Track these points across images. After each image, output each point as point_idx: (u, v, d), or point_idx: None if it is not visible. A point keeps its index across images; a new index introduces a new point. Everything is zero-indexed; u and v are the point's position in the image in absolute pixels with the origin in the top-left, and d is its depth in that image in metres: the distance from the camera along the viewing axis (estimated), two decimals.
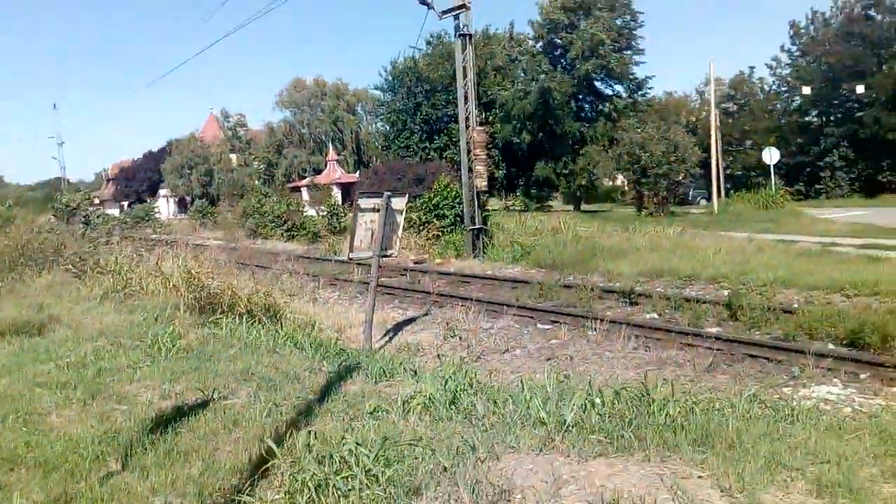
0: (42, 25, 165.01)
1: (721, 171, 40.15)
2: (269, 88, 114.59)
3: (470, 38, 18.46)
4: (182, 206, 70.11)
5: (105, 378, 6.13)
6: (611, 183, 45.18)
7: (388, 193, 9.25)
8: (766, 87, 47.53)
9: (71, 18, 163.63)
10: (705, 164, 33.77)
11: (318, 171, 56.49)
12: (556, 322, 10.24)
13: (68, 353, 7.04)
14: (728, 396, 5.60)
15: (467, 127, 18.62)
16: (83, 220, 19.71)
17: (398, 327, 10.82)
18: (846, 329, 7.94)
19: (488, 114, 42.30)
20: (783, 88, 46.33)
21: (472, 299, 11.92)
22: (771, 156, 32.22)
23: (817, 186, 42.26)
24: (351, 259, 9.45)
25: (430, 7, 18.44)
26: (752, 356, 7.88)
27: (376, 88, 50.41)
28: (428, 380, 6.36)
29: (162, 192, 73.49)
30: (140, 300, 10.92)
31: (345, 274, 17.34)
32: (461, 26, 18.32)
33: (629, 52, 42.04)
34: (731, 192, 39.62)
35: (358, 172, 51.86)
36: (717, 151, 33.25)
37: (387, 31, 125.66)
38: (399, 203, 9.56)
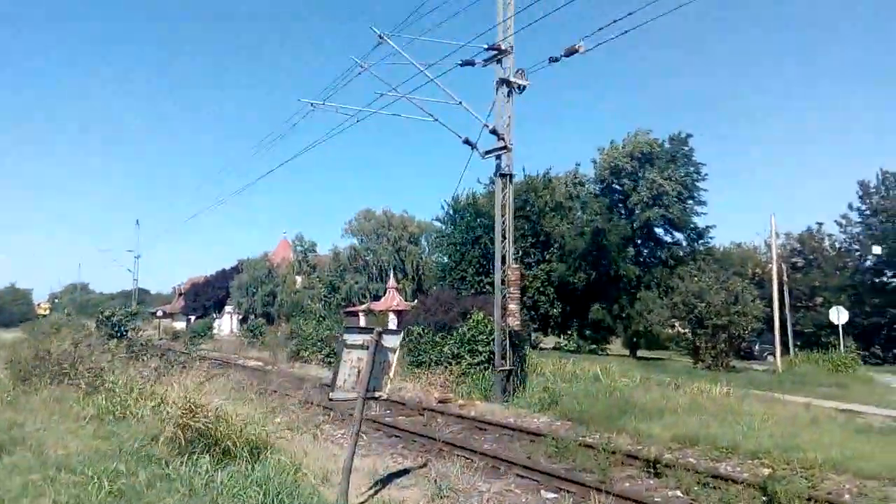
0: (130, 141, 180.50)
1: (790, 327, 38.01)
2: (340, 218, 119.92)
3: (510, 179, 18.48)
4: (245, 323, 71.65)
5: None
6: (669, 331, 43.30)
7: (380, 330, 8.61)
8: (837, 244, 45.83)
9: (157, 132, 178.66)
10: (771, 319, 31.89)
11: (377, 298, 57.12)
12: (562, 490, 9.01)
13: None
14: None
15: (503, 264, 18.15)
16: (117, 333, 19.78)
17: (389, 479, 9.76)
18: None
19: (546, 252, 42.15)
20: (854, 246, 44.51)
21: (478, 452, 10.83)
22: (839, 315, 30.17)
23: (895, 351, 39.15)
24: (332, 399, 8.66)
25: (473, 147, 18.72)
26: None
27: (436, 220, 51.45)
28: None
29: (228, 308, 75.61)
30: (126, 425, 10.43)
31: (367, 409, 16.51)
32: (502, 166, 18.38)
33: (691, 202, 41.73)
34: (799, 350, 37.11)
35: (416, 301, 52.03)
36: (780, 305, 31.41)
37: (452, 165, 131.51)
38: (392, 341, 8.87)
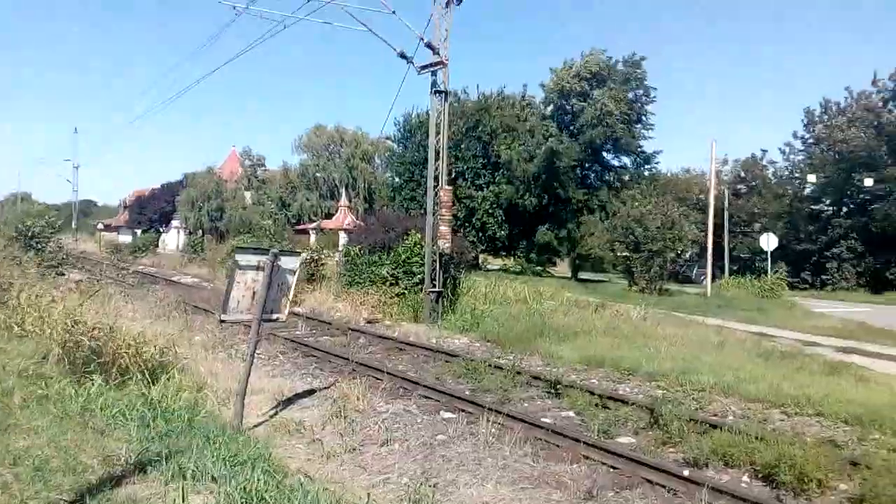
0: (65, 40, 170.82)
1: (727, 252, 39.12)
2: (290, 133, 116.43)
3: (446, 96, 17.91)
4: (196, 237, 70.21)
5: None
6: (610, 254, 44.21)
7: (275, 251, 8.35)
8: (778, 173, 46.71)
9: (93, 32, 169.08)
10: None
11: (329, 216, 56.45)
12: (463, 411, 9.15)
13: None
14: None
15: (436, 185, 17.88)
16: (34, 246, 18.93)
17: (292, 400, 9.76)
18: (763, 460, 6.76)
19: (496, 174, 41.88)
20: (795, 174, 45.45)
21: (387, 373, 10.89)
22: (769, 241, 31.06)
23: (823, 277, 40.81)
24: (223, 321, 8.46)
25: (409, 62, 18.01)
26: (649, 482, 6.73)
27: (387, 138, 50.39)
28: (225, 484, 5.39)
29: (175, 222, 73.79)
30: (21, 343, 10.08)
31: (292, 329, 16.43)
32: (438, 82, 17.80)
33: (639, 125, 41.62)
34: (736, 275, 38.33)
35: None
36: (715, 230, 32.10)
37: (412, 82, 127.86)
38: (291, 262, 8.63)
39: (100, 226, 73.44)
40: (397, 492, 6.48)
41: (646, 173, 43.11)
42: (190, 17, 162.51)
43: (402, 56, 17.94)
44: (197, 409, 8.33)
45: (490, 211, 41.24)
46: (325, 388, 10.35)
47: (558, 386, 10.11)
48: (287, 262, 8.58)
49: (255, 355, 13.03)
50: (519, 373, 10.86)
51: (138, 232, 74.03)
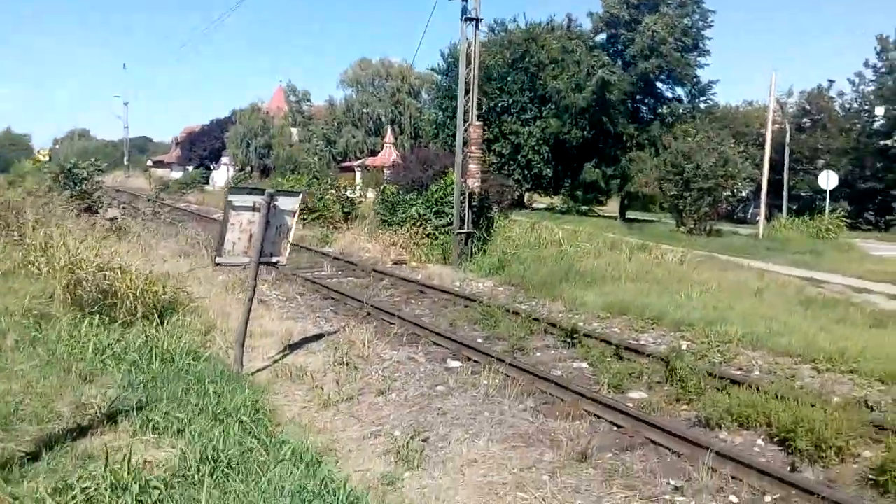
0: None
1: (787, 191, 37.03)
2: (336, 67, 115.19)
3: (476, 23, 16.91)
4: (245, 174, 71.11)
5: None
6: (659, 192, 42.54)
7: (271, 191, 7.99)
8: (846, 105, 43.51)
9: None
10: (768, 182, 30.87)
11: (374, 153, 56.08)
12: (469, 359, 8.81)
13: None
14: None
15: (465, 121, 17.14)
16: (71, 183, 19.15)
17: (300, 345, 9.58)
18: (780, 423, 6.20)
19: (544, 108, 40.32)
20: (865, 107, 42.23)
21: (399, 317, 10.60)
22: (828, 178, 29.17)
23: (888, 217, 38.34)
24: (218, 264, 8.22)
25: None
26: (653, 443, 6.28)
27: (432, 70, 48.86)
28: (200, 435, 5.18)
29: (224, 159, 74.71)
30: (33, 282, 10.13)
31: (318, 269, 16.31)
32: (469, 9, 16.80)
33: (694, 53, 39.02)
34: (795, 215, 36.37)
35: None
36: (772, 167, 30.28)
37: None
38: (289, 203, 8.26)
39: (149, 162, 74.84)
40: (386, 445, 6.22)
41: (702, 105, 40.68)
42: None
43: None
44: (201, 352, 8.21)
45: (536, 147, 39.88)
46: (335, 332, 10.13)
47: (574, 335, 9.63)
48: (285, 203, 8.22)
49: (274, 296, 13.06)
50: (537, 319, 10.41)
51: (189, 168, 75.36)
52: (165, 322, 9.15)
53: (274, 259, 8.37)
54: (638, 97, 41.24)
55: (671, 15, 37.44)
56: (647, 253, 16.41)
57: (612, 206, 46.99)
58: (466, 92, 17.19)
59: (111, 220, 17.83)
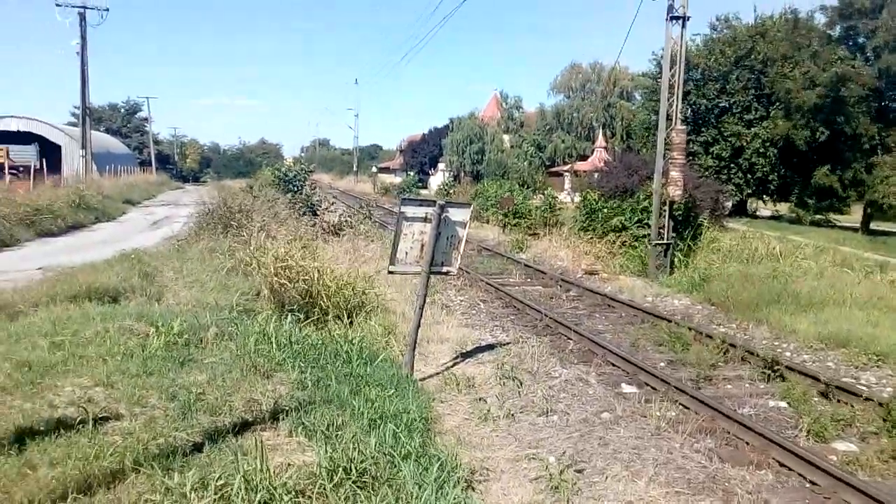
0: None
1: None
2: (547, 73, 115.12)
3: (683, 21, 15.70)
4: (457, 180, 74.30)
5: (40, 373, 5.98)
6: None
7: (442, 203, 8.07)
8: None
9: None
10: None
11: (583, 158, 55.57)
12: (647, 385, 8.13)
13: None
14: None
15: (668, 125, 16.01)
16: (290, 189, 21.25)
17: (472, 353, 9.57)
18: None
19: (770, 108, 36.74)
20: None
21: (577, 333, 10.14)
22: None
23: None
24: (391, 272, 8.47)
25: None
26: None
27: (643, 75, 46.85)
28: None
29: (440, 165, 78.77)
30: (247, 280, 11.30)
31: (506, 276, 16.32)
32: (676, 7, 15.66)
33: None
34: None
35: None
36: None
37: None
38: (460, 214, 8.29)
39: (373, 168, 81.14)
40: (539, 471, 5.91)
41: None
42: None
43: None
44: (379, 353, 8.47)
45: (761, 150, 36.28)
46: (508, 343, 9.97)
47: (776, 367, 8.44)
48: (455, 215, 8.27)
49: (458, 302, 13.25)
50: (732, 345, 9.31)
51: (410, 173, 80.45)
52: (354, 323, 9.70)
53: (444, 269, 8.45)
54: (883, 93, 35.66)
55: None
56: (886, 273, 13.94)
57: (856, 215, 41.09)
58: (671, 94, 16.05)
59: (327, 223, 19.36)
